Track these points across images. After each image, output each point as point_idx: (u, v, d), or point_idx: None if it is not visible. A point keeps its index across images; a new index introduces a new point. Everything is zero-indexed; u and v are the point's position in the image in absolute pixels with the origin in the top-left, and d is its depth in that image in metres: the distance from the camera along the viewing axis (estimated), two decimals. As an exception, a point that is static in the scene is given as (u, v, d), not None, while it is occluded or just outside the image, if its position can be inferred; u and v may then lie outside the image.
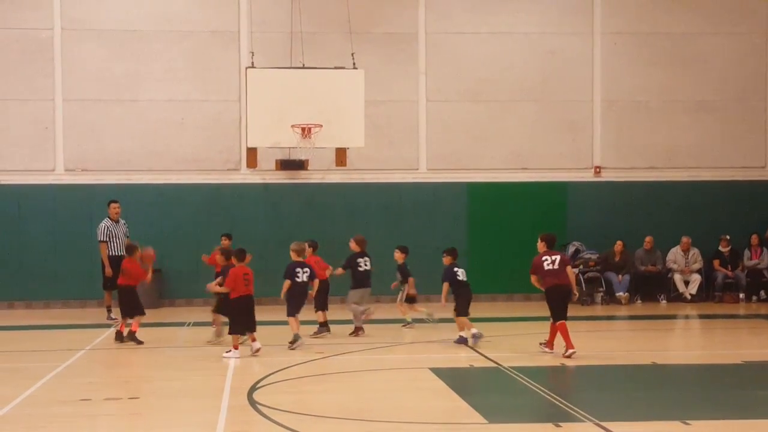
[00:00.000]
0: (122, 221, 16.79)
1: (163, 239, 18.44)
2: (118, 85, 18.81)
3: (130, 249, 13.86)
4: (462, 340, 13.00)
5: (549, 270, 12.14)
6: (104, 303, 16.71)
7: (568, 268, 12.30)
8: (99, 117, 18.79)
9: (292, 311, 12.83)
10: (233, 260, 12.72)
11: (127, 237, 16.54)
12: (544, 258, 12.26)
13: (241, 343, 12.18)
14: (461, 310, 13.09)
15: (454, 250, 13.51)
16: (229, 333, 12.29)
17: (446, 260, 13.29)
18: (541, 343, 12.52)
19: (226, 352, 12.07)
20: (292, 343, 12.67)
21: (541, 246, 12.44)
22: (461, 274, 13.22)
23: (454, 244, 18.84)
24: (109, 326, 15.60)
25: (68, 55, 18.74)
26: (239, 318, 12.18)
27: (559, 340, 12.07)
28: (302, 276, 12.91)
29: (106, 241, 16.53)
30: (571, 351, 11.83)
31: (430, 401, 9.56)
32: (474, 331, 12.96)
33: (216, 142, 18.93)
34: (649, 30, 19.75)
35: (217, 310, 13.23)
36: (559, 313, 12.05)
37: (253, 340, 12.29)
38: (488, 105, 19.53)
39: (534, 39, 19.59)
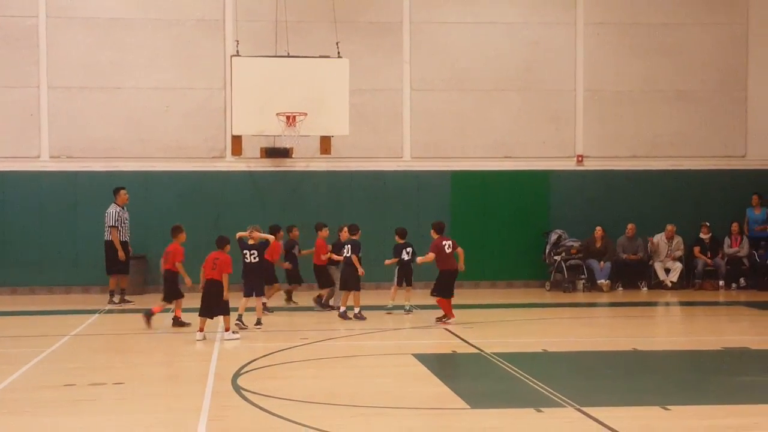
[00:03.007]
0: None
1: (148, 226, 18.39)
2: (103, 72, 18.68)
3: (176, 230, 14.15)
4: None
5: (447, 253, 13.88)
6: (108, 287, 16.75)
7: (459, 249, 14.09)
8: (84, 104, 18.67)
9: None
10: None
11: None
12: (444, 242, 13.91)
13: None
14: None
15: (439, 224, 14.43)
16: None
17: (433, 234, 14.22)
18: (438, 319, 13.82)
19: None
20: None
21: (433, 233, 14.03)
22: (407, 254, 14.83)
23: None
24: (94, 312, 15.55)
25: (53, 43, 18.59)
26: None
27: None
28: (249, 257, 13.59)
29: (117, 226, 16.56)
30: (452, 319, 13.68)
31: (414, 387, 9.55)
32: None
33: (201, 130, 18.84)
34: (630, 20, 19.75)
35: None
36: (447, 292, 13.83)
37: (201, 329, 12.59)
38: (472, 94, 19.50)
39: (517, 29, 19.56)
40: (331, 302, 15.29)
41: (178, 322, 13.70)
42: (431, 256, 13.97)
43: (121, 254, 16.52)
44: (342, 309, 14.36)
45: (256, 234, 13.71)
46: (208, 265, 12.68)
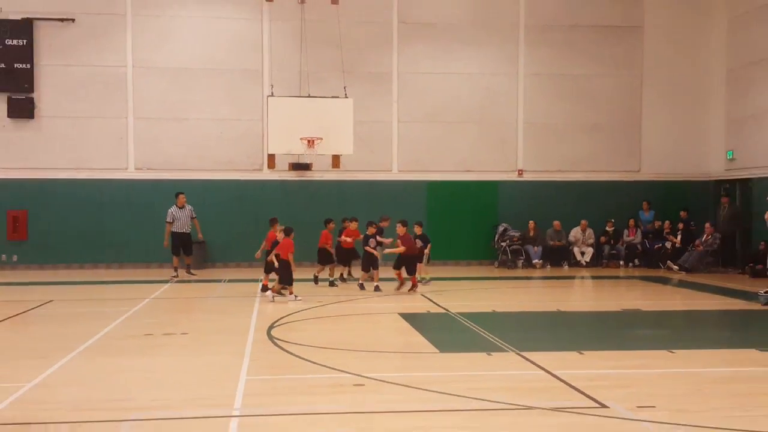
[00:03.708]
0: (189, 207, 16.54)
1: (206, 220, 18.36)
2: (174, 108, 18.61)
3: (288, 230, 13.16)
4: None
5: (412, 244, 13.56)
6: (172, 264, 16.49)
7: (417, 241, 13.96)
8: (160, 131, 18.59)
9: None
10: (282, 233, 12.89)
11: (194, 218, 16.45)
12: (411, 236, 13.62)
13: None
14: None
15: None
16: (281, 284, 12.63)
17: (398, 229, 13.67)
18: (399, 288, 13.41)
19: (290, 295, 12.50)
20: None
21: (401, 228, 13.45)
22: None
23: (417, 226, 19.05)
24: (167, 282, 15.49)
25: (138, 86, 18.51)
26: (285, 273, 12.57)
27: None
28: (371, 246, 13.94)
29: (171, 222, 16.33)
30: (410, 287, 13.31)
31: (398, 337, 9.55)
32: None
33: (245, 150, 18.79)
34: (558, 72, 19.74)
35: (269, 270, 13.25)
36: (412, 271, 13.34)
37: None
38: (442, 125, 19.47)
39: (475, 78, 19.53)
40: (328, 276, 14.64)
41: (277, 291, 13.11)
42: (402, 248, 13.38)
43: (165, 243, 16.18)
44: (360, 282, 14.07)
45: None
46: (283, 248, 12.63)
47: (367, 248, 14.00)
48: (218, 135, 18.79)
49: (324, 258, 14.67)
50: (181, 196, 16.63)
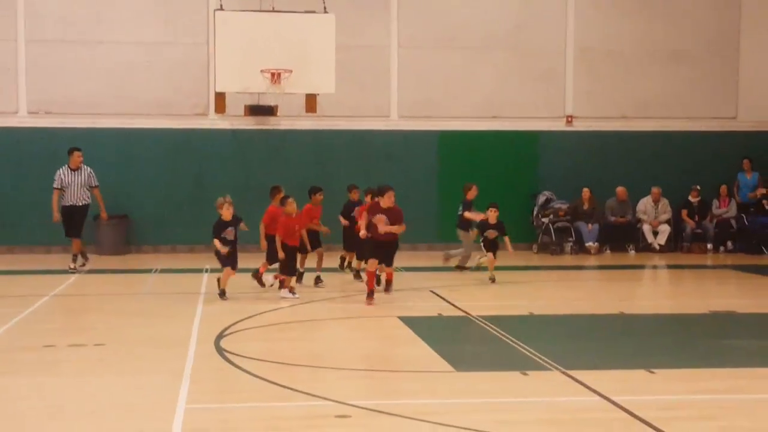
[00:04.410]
0: (87, 170, 16.03)
1: (129, 185, 18.35)
2: (83, 26, 18.48)
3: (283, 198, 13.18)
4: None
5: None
6: (73, 250, 16.18)
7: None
8: (63, 59, 18.48)
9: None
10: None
11: (95, 186, 16.15)
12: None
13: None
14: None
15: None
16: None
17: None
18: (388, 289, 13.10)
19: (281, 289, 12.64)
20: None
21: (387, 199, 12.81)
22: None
23: (425, 193, 19.12)
24: (74, 272, 15.48)
25: (31, -5, 18.37)
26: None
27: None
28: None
29: (59, 189, 15.91)
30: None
31: (398, 349, 9.60)
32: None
33: (183, 87, 18.71)
34: (623, -22, 19.68)
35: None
36: (390, 262, 12.82)
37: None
38: (460, 52, 19.40)
39: (508, -15, 19.45)
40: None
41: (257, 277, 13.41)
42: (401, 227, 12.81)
43: (54, 216, 15.71)
44: (357, 270, 14.19)
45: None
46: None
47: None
48: (145, 65, 18.69)
49: (311, 243, 13.69)
50: (75, 153, 16.07)
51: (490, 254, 14.50)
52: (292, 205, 12.77)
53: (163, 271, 16.01)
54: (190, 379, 8.07)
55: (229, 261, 12.58)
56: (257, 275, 13.39)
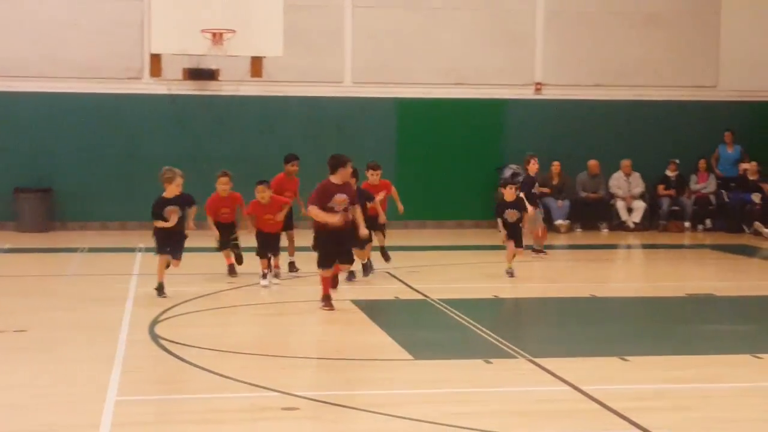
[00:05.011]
0: None
1: (53, 155, 18.12)
2: (2, -21, 18.16)
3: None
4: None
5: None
6: None
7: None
8: (-20, 15, 18.15)
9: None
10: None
11: None
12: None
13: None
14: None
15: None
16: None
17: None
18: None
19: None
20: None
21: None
22: None
23: (382, 165, 19.03)
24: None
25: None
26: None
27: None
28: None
29: None
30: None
31: (352, 336, 9.59)
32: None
33: (115, 48, 18.47)
34: (598, -67, 19.73)
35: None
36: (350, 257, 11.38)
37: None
38: (421, 13, 19.36)
39: (472, -61, 19.42)
40: None
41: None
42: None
43: None
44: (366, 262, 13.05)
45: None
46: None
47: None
48: (70, 23, 18.41)
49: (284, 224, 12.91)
50: None
51: (511, 243, 12.94)
52: (262, 193, 12.13)
53: (91, 250, 15.86)
54: (121, 369, 7.98)
55: (167, 246, 11.32)
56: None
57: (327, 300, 10.56)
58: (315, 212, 10.37)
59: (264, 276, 12.19)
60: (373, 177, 13.15)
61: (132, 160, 18.30)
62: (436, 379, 7.85)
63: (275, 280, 12.38)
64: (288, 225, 13.03)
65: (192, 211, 11.56)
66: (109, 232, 18.32)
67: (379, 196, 12.81)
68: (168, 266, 11.38)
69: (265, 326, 10.20)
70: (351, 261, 11.09)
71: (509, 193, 13.10)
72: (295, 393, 7.23)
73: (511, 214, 12.99)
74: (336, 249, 10.53)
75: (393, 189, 13.43)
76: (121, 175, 18.37)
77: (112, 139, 18.51)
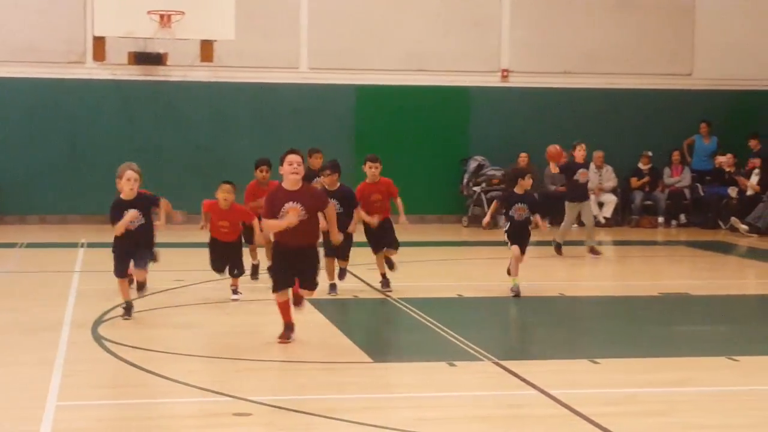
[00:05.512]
0: None
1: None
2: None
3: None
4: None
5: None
6: None
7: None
8: None
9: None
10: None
11: None
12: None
13: None
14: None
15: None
16: None
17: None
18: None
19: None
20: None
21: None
22: None
23: (340, 156, 18.91)
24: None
25: None
26: None
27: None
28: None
29: None
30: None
31: (307, 337, 9.57)
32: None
33: (56, 29, 18.40)
34: None
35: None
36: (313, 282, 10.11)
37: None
38: (382, -6, 19.41)
39: None
40: None
41: None
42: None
43: None
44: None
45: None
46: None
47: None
48: (8, 2, 18.29)
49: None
50: None
51: (516, 247, 11.58)
52: (225, 193, 11.00)
53: (30, 245, 15.77)
54: (62, 372, 7.93)
55: (128, 260, 10.07)
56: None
57: (285, 329, 9.13)
58: (269, 226, 9.11)
59: (234, 291, 11.38)
60: (371, 171, 12.24)
61: (74, 150, 18.19)
62: (396, 383, 7.88)
63: (234, 296, 11.41)
64: (250, 238, 12.01)
65: (163, 206, 10.18)
66: (49, 225, 18.19)
67: (375, 197, 12.08)
68: (131, 282, 10.40)
69: (213, 327, 10.16)
70: (313, 286, 9.19)
71: (525, 184, 11.64)
72: (247, 398, 7.22)
73: (519, 210, 11.66)
74: (292, 270, 8.95)
75: (395, 190, 12.56)
76: (62, 166, 18.25)
77: (53, 127, 18.40)
